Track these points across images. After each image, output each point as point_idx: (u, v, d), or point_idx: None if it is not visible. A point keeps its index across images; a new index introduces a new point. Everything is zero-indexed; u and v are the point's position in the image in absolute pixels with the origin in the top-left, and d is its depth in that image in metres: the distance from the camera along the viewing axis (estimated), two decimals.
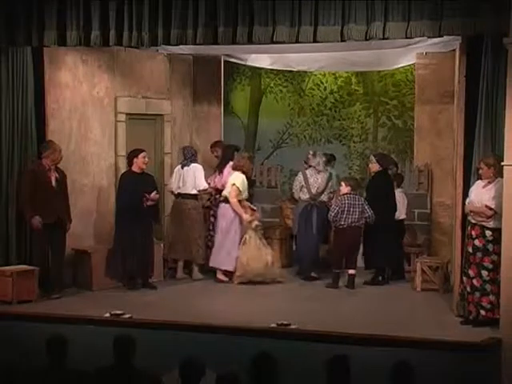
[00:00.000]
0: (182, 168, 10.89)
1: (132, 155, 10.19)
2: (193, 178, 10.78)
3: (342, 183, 10.44)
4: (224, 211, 10.63)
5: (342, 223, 10.20)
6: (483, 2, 7.61)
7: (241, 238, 10.53)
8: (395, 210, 10.53)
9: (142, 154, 10.11)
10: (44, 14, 8.96)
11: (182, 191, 10.83)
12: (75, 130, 10.35)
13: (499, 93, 7.95)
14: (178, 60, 11.97)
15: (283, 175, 13.02)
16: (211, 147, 11.62)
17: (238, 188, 10.55)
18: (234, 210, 10.54)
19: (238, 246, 10.51)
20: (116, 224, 10.15)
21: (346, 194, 10.25)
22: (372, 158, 10.75)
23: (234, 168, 10.77)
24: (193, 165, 10.86)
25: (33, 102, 9.60)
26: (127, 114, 11.05)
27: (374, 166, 10.56)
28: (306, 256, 10.80)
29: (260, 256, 10.44)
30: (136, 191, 9.97)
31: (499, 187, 7.76)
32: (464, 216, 8.33)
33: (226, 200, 10.61)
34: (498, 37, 7.61)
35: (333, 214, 10.24)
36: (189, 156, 10.92)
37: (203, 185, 10.84)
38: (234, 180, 10.60)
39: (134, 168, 10.11)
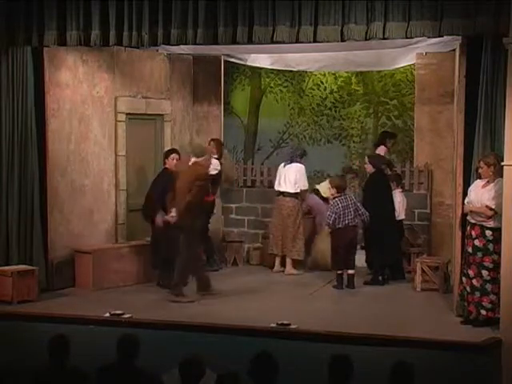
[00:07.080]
0: (284, 166, 11.14)
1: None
2: (294, 177, 11.02)
3: (328, 184, 10.71)
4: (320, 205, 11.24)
5: (340, 226, 10.22)
6: (483, 2, 7.62)
7: None
8: (393, 210, 10.53)
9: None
10: (44, 14, 8.98)
11: (282, 189, 11.08)
12: (75, 130, 10.34)
13: (499, 93, 7.96)
14: (178, 60, 11.98)
15: None
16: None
17: None
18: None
19: None
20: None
21: (337, 196, 10.27)
22: (366, 158, 10.90)
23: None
24: (294, 164, 11.08)
25: (33, 102, 9.58)
26: (127, 114, 11.05)
27: (369, 167, 10.66)
28: None
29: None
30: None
31: (499, 187, 7.76)
32: (464, 216, 8.33)
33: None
34: (497, 37, 7.61)
35: (331, 221, 10.23)
36: (294, 155, 11.17)
37: (304, 185, 11.10)
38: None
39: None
